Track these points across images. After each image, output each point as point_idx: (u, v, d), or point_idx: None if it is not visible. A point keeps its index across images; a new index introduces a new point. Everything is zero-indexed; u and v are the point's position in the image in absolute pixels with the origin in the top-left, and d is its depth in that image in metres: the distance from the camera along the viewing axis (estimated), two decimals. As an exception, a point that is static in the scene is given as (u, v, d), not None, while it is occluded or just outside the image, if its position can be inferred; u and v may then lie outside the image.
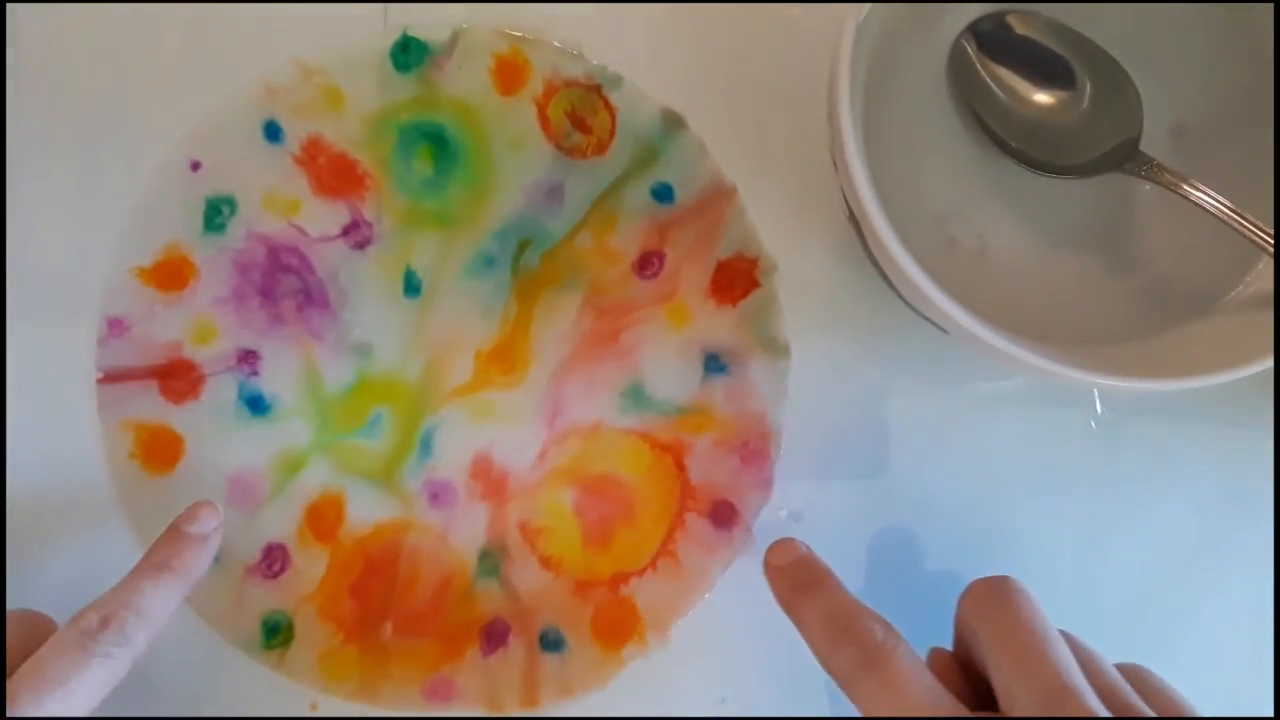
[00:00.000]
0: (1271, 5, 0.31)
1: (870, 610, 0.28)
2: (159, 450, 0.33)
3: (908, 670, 0.27)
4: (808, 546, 0.31)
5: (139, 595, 0.29)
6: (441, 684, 0.33)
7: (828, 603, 0.29)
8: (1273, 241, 0.30)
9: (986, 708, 0.27)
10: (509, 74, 0.34)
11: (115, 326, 0.33)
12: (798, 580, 0.30)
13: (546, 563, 0.34)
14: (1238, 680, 0.35)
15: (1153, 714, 0.26)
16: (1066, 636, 0.27)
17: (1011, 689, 0.26)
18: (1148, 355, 0.32)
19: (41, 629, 0.29)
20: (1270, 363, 0.28)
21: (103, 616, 0.28)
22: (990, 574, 0.29)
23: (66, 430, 0.33)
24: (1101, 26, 0.33)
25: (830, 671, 0.28)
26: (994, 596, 0.28)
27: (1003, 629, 0.27)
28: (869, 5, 0.28)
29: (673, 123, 0.34)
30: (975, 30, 0.33)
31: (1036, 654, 0.26)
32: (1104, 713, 0.25)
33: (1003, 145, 0.33)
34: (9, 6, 0.33)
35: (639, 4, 0.34)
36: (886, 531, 0.35)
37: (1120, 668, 0.28)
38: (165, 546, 0.30)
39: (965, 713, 0.26)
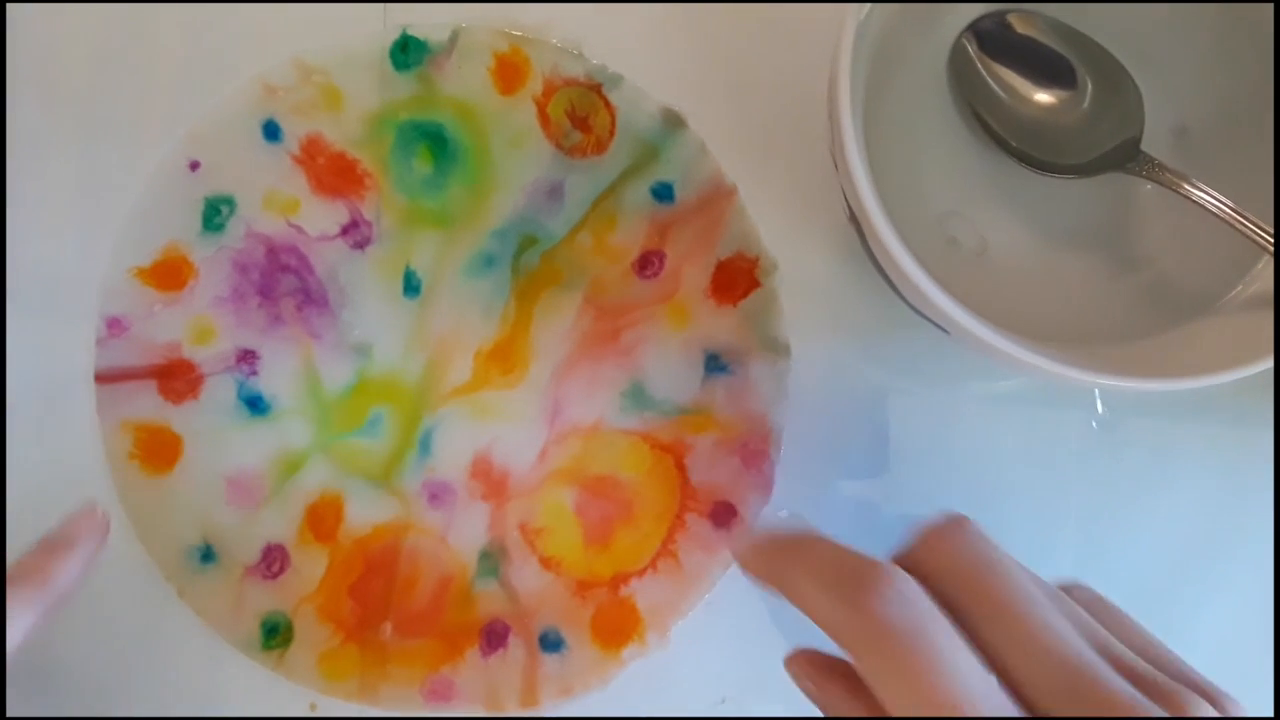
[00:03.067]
0: (1272, 4, 0.31)
1: (880, 561, 0.23)
2: (158, 450, 0.33)
3: (943, 647, 0.21)
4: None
5: None
6: (441, 684, 0.33)
7: (822, 555, 0.23)
8: (1273, 241, 0.30)
9: None
10: (509, 73, 0.34)
11: (114, 326, 0.33)
12: (776, 549, 0.25)
13: (547, 563, 0.34)
14: (1238, 680, 0.35)
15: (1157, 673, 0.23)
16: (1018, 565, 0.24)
17: (1020, 672, 0.22)
18: (1148, 355, 0.32)
19: None
20: (1271, 363, 0.28)
21: None
22: None
23: (66, 431, 0.33)
24: (1103, 26, 0.33)
25: (841, 644, 0.23)
26: (962, 551, 0.23)
27: (980, 591, 0.23)
28: (869, 4, 0.28)
29: (673, 122, 0.34)
30: (976, 29, 0.33)
31: (1034, 627, 0.22)
32: (1130, 690, 0.22)
33: (1004, 145, 0.33)
34: (9, 7, 0.33)
35: (639, 3, 0.34)
36: (887, 532, 0.34)
37: (1066, 589, 0.25)
38: (29, 558, 0.28)
39: (1019, 712, 0.21)
